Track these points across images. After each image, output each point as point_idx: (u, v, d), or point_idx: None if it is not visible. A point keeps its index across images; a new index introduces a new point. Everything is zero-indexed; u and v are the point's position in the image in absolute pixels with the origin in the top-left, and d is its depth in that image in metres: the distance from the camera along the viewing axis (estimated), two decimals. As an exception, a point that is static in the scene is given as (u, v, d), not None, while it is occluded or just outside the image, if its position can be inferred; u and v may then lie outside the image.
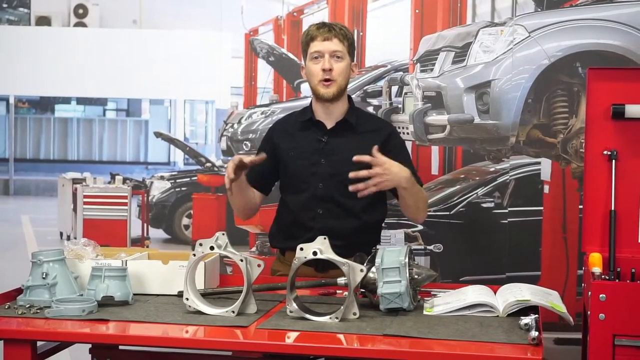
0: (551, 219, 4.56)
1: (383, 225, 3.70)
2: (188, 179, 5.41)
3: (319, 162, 3.45)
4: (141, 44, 5.18)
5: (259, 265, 2.79)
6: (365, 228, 3.46)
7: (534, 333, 2.41)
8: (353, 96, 4.74)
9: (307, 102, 3.62)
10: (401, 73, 4.76)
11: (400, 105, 4.77)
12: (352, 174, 3.16)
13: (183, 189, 5.38)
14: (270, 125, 3.71)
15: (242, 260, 2.78)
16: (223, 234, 2.83)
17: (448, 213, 4.70)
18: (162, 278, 3.07)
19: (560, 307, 2.79)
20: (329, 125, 3.49)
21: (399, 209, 4.67)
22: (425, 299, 2.96)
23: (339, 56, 3.39)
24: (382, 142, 3.38)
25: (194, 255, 2.81)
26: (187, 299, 2.78)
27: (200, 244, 2.80)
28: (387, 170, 3.19)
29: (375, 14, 4.84)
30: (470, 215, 4.67)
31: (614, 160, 3.42)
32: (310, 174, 3.47)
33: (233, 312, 2.73)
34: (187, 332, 2.62)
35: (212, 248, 2.80)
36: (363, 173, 3.16)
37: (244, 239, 4.96)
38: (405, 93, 4.75)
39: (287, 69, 4.95)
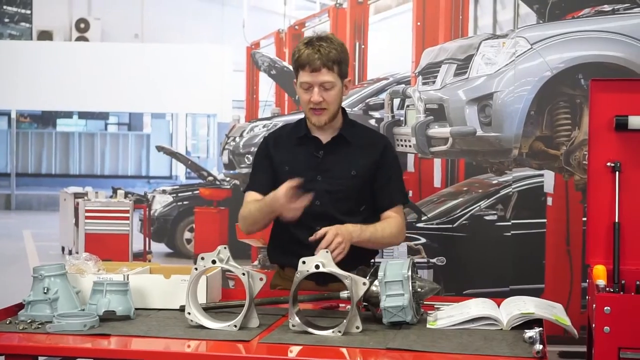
0: (554, 232, 4.55)
1: None
2: (190, 193, 5.42)
3: (314, 178, 3.37)
4: (143, 58, 5.19)
5: (261, 279, 2.77)
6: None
7: (539, 346, 2.40)
8: (355, 109, 4.75)
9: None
10: (403, 85, 4.76)
11: (402, 118, 4.77)
12: (311, 239, 3.10)
13: (185, 202, 5.38)
14: (263, 138, 3.59)
15: (244, 274, 2.76)
16: (225, 248, 2.81)
17: (451, 226, 4.69)
18: (164, 292, 3.05)
19: (565, 320, 2.77)
20: (324, 140, 3.42)
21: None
22: (429, 312, 2.95)
23: (328, 87, 3.26)
24: (379, 156, 3.37)
25: (196, 269, 2.80)
26: (189, 313, 2.77)
27: (202, 258, 2.78)
28: (342, 236, 3.10)
29: (376, 27, 4.84)
30: (473, 228, 4.66)
31: (617, 172, 3.40)
32: (306, 190, 3.33)
33: (235, 326, 2.71)
34: (189, 346, 2.61)
35: (214, 262, 2.79)
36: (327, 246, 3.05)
37: (246, 252, 4.95)
38: (407, 106, 4.75)
39: (289, 82, 4.93)
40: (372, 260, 3.52)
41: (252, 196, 3.43)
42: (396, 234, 3.36)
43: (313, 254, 2.89)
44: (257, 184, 3.43)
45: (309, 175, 3.35)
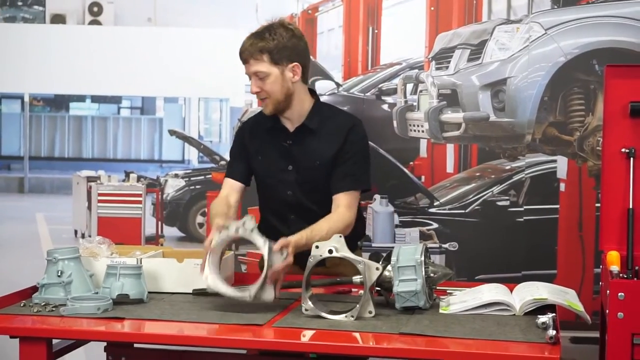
0: (567, 217, 4.54)
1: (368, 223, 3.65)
2: (202, 177, 5.42)
3: (286, 168, 3.37)
4: (156, 42, 5.19)
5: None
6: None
7: (552, 332, 2.39)
8: (368, 94, 4.74)
9: (321, 99, 3.58)
10: (416, 71, 4.74)
11: (415, 103, 4.76)
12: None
13: (197, 187, 5.38)
14: (241, 124, 3.59)
15: (264, 244, 2.75)
16: (252, 218, 2.79)
17: (463, 211, 4.68)
18: (177, 276, 3.06)
19: (578, 306, 2.77)
20: (291, 129, 3.38)
21: (413, 206, 4.68)
22: (441, 297, 2.95)
23: (261, 77, 3.24)
24: (343, 140, 3.31)
25: (219, 234, 2.79)
26: (207, 277, 2.76)
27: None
28: (279, 275, 2.91)
29: (390, 12, 4.82)
30: (485, 214, 4.66)
31: (632, 158, 3.39)
32: (277, 180, 3.39)
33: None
34: (202, 330, 2.62)
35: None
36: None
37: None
38: (421, 91, 4.74)
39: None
40: (359, 242, 3.51)
41: (228, 183, 3.46)
42: (343, 228, 3.20)
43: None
44: (234, 172, 3.45)
45: (281, 164, 3.37)
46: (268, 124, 3.40)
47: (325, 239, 2.92)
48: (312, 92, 3.43)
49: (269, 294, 2.77)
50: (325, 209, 3.27)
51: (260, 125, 3.45)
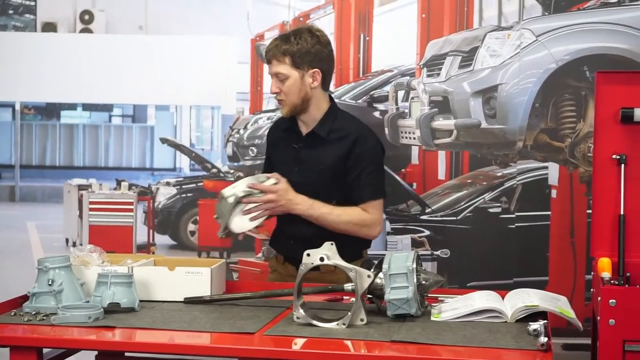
0: (559, 224, 4.54)
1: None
2: (194, 185, 5.41)
3: (293, 170, 3.44)
4: (147, 50, 5.18)
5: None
6: (339, 235, 3.29)
7: (543, 339, 2.39)
8: (360, 101, 4.74)
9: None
10: (408, 78, 4.75)
11: (406, 110, 4.76)
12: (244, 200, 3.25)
13: (189, 195, 5.37)
14: (269, 128, 3.71)
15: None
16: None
17: (455, 218, 4.68)
18: (169, 284, 3.05)
19: (569, 313, 2.76)
20: (304, 132, 3.47)
21: (405, 214, 4.68)
22: (433, 304, 2.94)
23: (281, 79, 3.34)
24: (347, 150, 3.36)
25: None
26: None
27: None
28: (280, 197, 3.26)
29: (381, 19, 4.83)
30: (477, 221, 4.66)
31: (623, 165, 3.40)
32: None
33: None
34: (193, 338, 2.61)
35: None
36: (255, 200, 3.24)
37: (250, 244, 4.95)
38: (412, 98, 4.74)
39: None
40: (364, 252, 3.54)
41: None
42: (357, 224, 3.35)
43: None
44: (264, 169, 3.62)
45: (289, 166, 3.45)
46: (286, 125, 3.52)
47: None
48: (331, 99, 3.50)
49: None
50: None
51: (280, 125, 3.58)
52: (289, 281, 3.32)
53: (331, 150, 3.38)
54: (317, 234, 3.29)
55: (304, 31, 3.37)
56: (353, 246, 3.36)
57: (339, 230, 3.33)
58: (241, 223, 3.23)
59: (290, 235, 3.45)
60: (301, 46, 3.32)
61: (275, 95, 3.39)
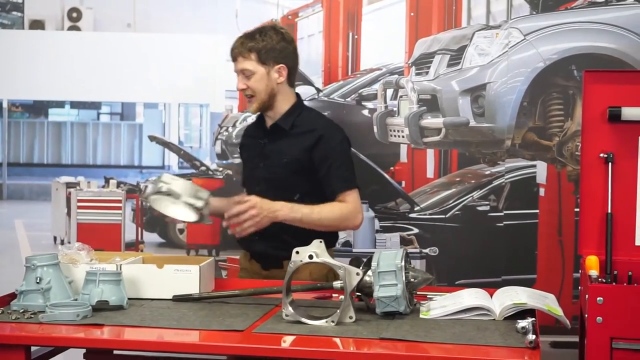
0: (547, 222, 4.55)
1: None
2: (182, 183, 5.38)
3: (258, 165, 3.52)
4: (135, 48, 5.16)
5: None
6: (304, 231, 3.34)
7: (531, 336, 2.40)
8: (348, 99, 4.74)
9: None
10: (396, 76, 4.75)
11: (395, 109, 4.76)
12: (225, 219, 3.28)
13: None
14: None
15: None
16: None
17: (444, 216, 4.69)
18: (157, 282, 3.05)
19: (557, 310, 2.78)
20: (268, 127, 3.54)
21: (394, 212, 4.68)
22: (422, 302, 2.95)
23: (247, 75, 3.41)
24: (312, 144, 3.41)
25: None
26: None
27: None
28: (260, 210, 3.25)
29: (370, 17, 4.83)
30: (465, 219, 4.67)
31: (610, 163, 3.41)
32: (251, 177, 3.58)
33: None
34: (182, 336, 2.61)
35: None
36: (234, 215, 3.25)
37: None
38: (401, 96, 4.75)
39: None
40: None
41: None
42: (339, 218, 3.38)
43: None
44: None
45: (255, 162, 3.54)
46: (255, 122, 3.61)
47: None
48: (298, 95, 3.56)
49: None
50: None
51: (250, 129, 3.69)
52: (256, 279, 3.44)
53: (294, 143, 3.43)
54: (282, 227, 3.34)
55: (269, 29, 3.46)
56: (328, 239, 3.39)
57: (322, 228, 3.34)
58: (183, 213, 3.23)
59: (256, 231, 3.43)
60: (266, 43, 3.41)
61: (242, 91, 3.45)
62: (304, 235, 3.09)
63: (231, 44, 3.49)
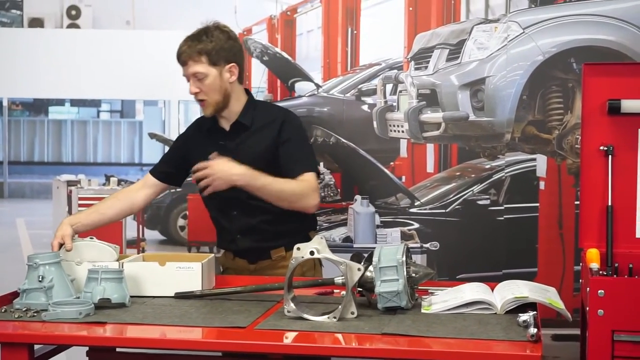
0: (547, 215, 4.56)
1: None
2: (183, 180, 5.39)
3: None
4: (134, 45, 5.17)
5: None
6: (283, 219, 3.42)
7: (533, 330, 2.41)
8: (348, 95, 4.74)
9: (301, 101, 3.62)
10: (395, 71, 4.75)
11: (394, 104, 4.76)
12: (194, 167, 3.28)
13: (178, 190, 5.36)
14: (192, 124, 3.71)
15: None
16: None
17: (444, 211, 4.69)
18: (159, 280, 3.06)
19: (558, 304, 2.78)
20: (227, 128, 3.50)
21: (394, 207, 4.69)
22: (423, 297, 2.96)
23: (200, 78, 3.37)
24: (276, 134, 3.42)
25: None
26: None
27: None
28: (214, 171, 3.22)
29: (369, 12, 4.83)
30: (466, 213, 4.67)
31: (610, 156, 3.41)
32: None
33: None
34: (185, 333, 2.61)
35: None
36: (197, 175, 3.25)
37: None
38: (400, 91, 4.74)
39: (281, 68, 4.94)
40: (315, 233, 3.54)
41: (149, 178, 3.64)
42: (298, 194, 3.35)
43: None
44: (157, 168, 3.66)
45: None
46: (207, 125, 3.53)
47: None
48: (247, 92, 3.55)
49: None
50: (267, 202, 3.35)
51: (201, 127, 3.59)
52: (245, 275, 3.45)
53: (260, 138, 3.43)
54: (263, 219, 3.36)
55: (213, 29, 3.43)
56: (304, 228, 3.49)
57: (279, 202, 3.34)
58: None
59: (237, 229, 3.47)
60: (215, 43, 3.37)
61: (194, 95, 3.40)
62: (281, 223, 3.21)
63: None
